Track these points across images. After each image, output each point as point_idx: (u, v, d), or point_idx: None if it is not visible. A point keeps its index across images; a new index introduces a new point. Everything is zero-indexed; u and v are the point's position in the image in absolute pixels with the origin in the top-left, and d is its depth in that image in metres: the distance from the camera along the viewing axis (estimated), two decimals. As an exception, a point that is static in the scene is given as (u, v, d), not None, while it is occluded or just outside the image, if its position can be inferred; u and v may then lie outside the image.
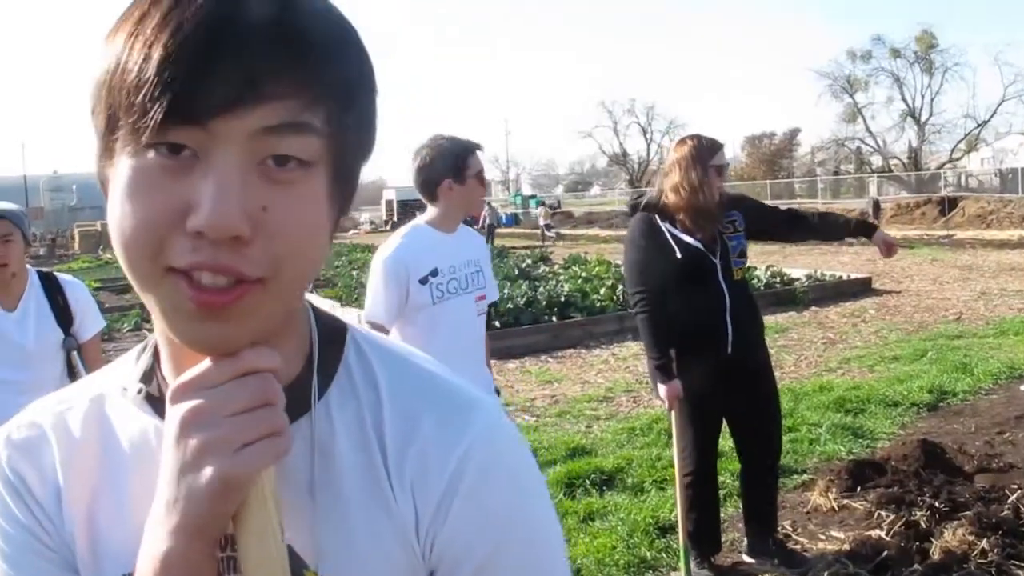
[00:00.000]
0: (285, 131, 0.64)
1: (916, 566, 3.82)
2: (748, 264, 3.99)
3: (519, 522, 0.76)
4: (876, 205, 28.70)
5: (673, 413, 3.92)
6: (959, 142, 57.28)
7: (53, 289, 3.41)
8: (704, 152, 3.78)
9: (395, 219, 53.99)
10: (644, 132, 76.32)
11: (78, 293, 3.48)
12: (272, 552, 0.69)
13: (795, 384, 7.58)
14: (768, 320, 4.29)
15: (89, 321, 3.49)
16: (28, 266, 3.40)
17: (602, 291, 12.38)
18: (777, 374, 7.80)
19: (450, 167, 3.25)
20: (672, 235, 3.77)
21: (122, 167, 0.65)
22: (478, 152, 3.33)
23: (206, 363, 0.68)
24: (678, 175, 3.79)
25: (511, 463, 0.77)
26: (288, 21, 0.64)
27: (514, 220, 48.59)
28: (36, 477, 0.78)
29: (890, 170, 55.62)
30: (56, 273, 3.53)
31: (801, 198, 47.33)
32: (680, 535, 3.94)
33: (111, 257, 34.35)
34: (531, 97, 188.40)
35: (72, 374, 3.50)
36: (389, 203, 57.94)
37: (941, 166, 53.81)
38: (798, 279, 13.79)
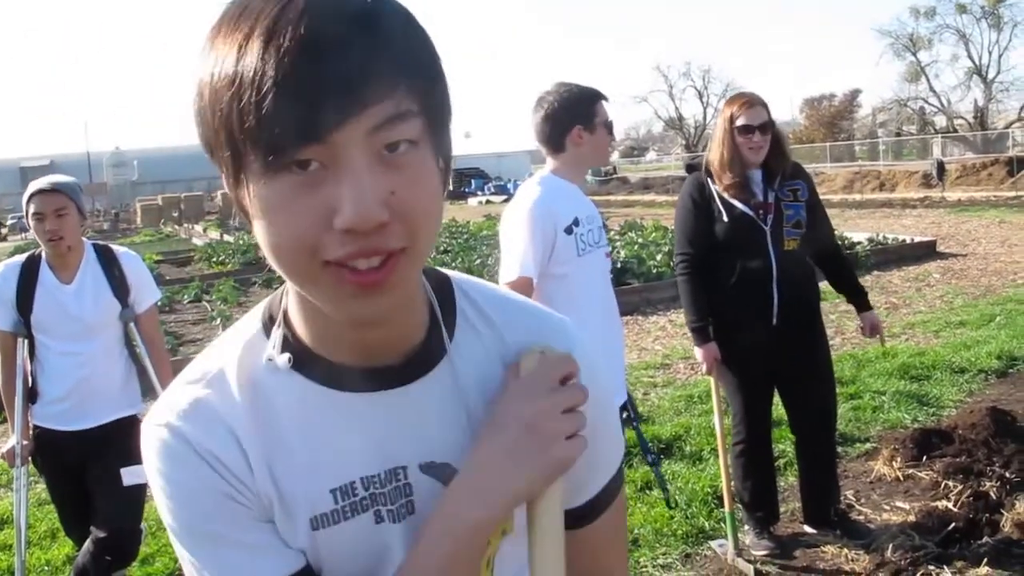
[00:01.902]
0: (392, 123, 0.73)
1: (986, 539, 3.70)
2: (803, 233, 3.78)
3: (605, 404, 0.99)
4: (941, 166, 27.65)
5: (712, 378, 3.88)
6: (1029, 99, 55.29)
7: (109, 262, 3.44)
8: (727, 109, 3.71)
9: (450, 187, 54.36)
10: (700, 96, 75.04)
11: (134, 265, 3.51)
12: (557, 551, 0.86)
13: (857, 350, 7.42)
14: (828, 285, 4.15)
15: (145, 292, 3.52)
16: (84, 239, 3.43)
17: (659, 257, 12.26)
18: (838, 340, 7.70)
19: (580, 114, 3.10)
20: (721, 198, 3.68)
21: (262, 191, 0.74)
22: (603, 101, 3.17)
23: (538, 367, 0.89)
24: (713, 134, 3.80)
25: (594, 364, 0.98)
26: (371, 27, 0.72)
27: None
28: (220, 447, 0.87)
29: (955, 130, 53.91)
30: (112, 245, 3.56)
31: (862, 160, 46.20)
32: (725, 503, 3.89)
33: (172, 230, 35.01)
34: (583, 62, 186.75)
35: (130, 345, 3.54)
36: (443, 172, 58.23)
37: (1009, 125, 51.97)
38: (860, 243, 13.49)
